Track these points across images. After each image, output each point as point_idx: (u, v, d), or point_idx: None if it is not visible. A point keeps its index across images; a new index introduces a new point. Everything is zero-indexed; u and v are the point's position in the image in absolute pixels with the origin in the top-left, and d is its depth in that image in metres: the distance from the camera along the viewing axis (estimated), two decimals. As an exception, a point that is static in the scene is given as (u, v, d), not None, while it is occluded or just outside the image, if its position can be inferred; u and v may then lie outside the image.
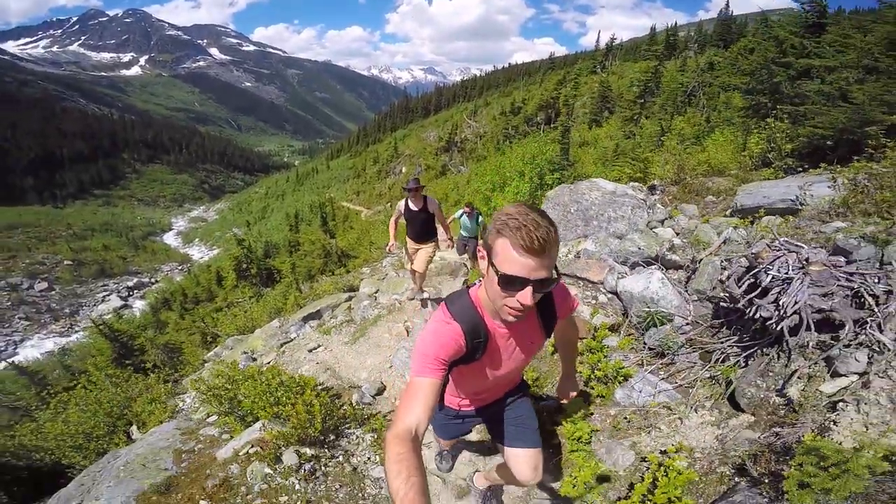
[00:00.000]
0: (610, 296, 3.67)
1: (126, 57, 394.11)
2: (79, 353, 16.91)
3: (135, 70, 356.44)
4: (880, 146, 4.26)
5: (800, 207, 3.73)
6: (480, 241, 1.28)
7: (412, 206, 4.83)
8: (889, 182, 3.40)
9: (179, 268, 50.70)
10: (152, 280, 47.35)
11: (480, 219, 6.95)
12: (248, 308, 10.31)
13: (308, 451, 2.76)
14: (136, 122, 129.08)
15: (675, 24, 32.57)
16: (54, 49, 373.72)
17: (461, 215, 7.02)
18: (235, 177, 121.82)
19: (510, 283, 1.13)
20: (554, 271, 1.15)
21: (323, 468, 2.70)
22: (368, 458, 2.81)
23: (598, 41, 42.31)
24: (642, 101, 15.61)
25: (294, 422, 2.82)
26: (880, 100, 4.71)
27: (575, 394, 1.97)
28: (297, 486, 2.56)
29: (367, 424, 3.10)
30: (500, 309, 1.23)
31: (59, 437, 5.68)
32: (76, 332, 33.92)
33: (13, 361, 13.65)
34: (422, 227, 4.99)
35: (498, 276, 1.13)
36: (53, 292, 43.55)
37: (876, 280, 2.19)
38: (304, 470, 2.65)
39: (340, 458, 2.78)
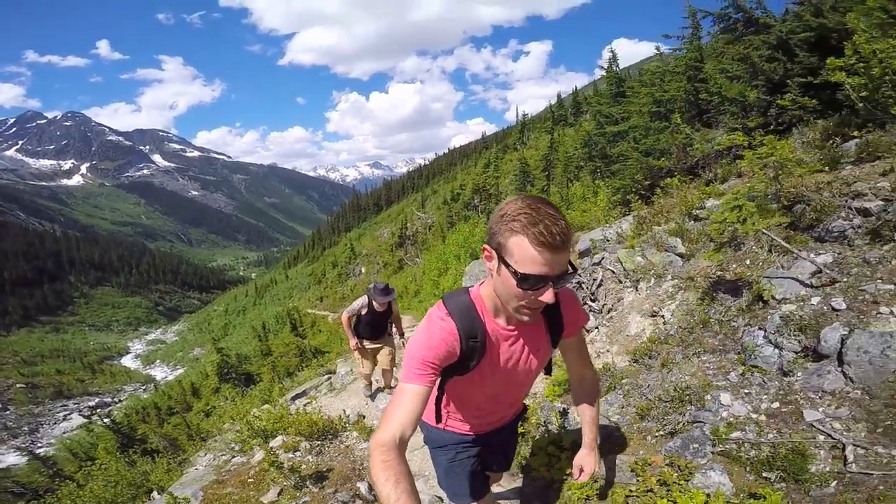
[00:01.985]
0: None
1: (67, 164, 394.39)
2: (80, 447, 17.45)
3: (76, 179, 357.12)
4: (658, 188, 6.88)
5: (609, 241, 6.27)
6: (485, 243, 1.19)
7: (377, 308, 5.00)
8: (657, 219, 5.90)
9: (143, 388, 50.14)
10: (115, 400, 46.70)
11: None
12: (237, 403, 11.96)
13: (316, 442, 4.77)
14: (80, 238, 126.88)
15: (576, 88, 37.03)
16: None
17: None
18: (191, 296, 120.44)
19: (530, 283, 1.08)
20: (569, 264, 1.11)
21: (326, 449, 4.70)
22: (355, 441, 4.83)
23: (516, 115, 47.30)
24: (546, 172, 19.06)
25: (304, 429, 4.84)
26: (660, 151, 7.46)
27: (594, 469, 1.68)
28: (310, 459, 4.53)
29: (353, 427, 5.13)
30: (516, 310, 1.18)
31: None
32: (40, 447, 32.97)
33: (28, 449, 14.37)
34: (380, 327, 5.24)
35: (517, 277, 1.08)
36: (8, 412, 42.79)
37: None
38: (314, 451, 4.65)
39: (336, 443, 4.79)
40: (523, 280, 1.08)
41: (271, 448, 4.26)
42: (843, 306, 2.17)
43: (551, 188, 18.25)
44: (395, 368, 5.68)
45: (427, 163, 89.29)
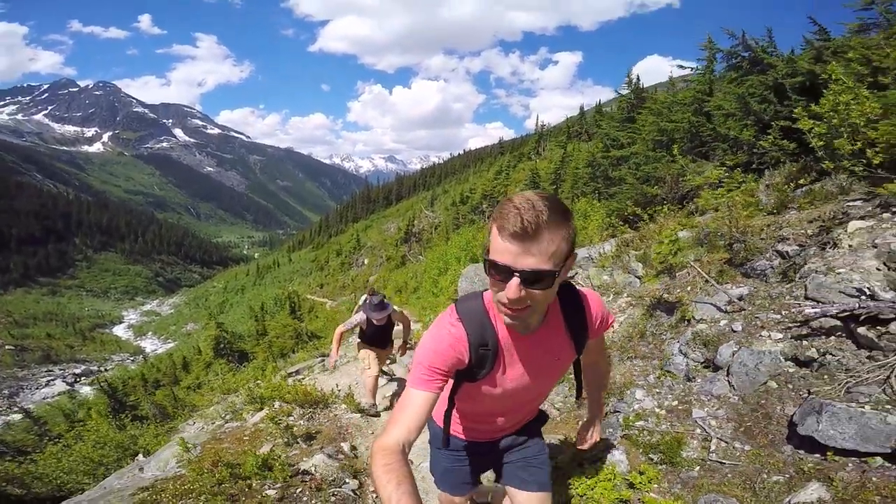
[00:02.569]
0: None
1: (90, 132, 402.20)
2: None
3: (97, 147, 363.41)
4: (646, 215, 7.43)
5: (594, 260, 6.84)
6: None
7: (375, 322, 4.97)
8: (635, 244, 6.45)
9: (132, 359, 50.80)
10: (102, 369, 47.04)
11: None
12: (230, 378, 12.58)
13: (308, 410, 5.36)
14: (91, 203, 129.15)
15: (600, 101, 36.62)
16: (19, 117, 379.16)
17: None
18: (192, 269, 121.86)
19: (496, 271, 1.05)
20: (557, 265, 1.02)
21: (316, 416, 5.29)
22: (343, 411, 5.41)
23: (536, 124, 47.83)
24: (555, 186, 19.60)
25: (299, 397, 5.43)
26: (655, 179, 7.98)
27: (596, 439, 1.83)
28: (302, 423, 5.12)
29: (343, 400, 5.72)
30: (499, 308, 1.14)
31: (71, 464, 7.16)
32: (13, 412, 33.46)
33: (21, 406, 15.06)
34: (383, 336, 5.22)
35: (486, 262, 1.07)
36: (-9, 373, 42.80)
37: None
38: (305, 417, 5.24)
39: (326, 412, 5.38)
40: (488, 267, 1.06)
41: (273, 406, 4.88)
42: (740, 329, 2.73)
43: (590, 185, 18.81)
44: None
45: (441, 161, 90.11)
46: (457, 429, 1.68)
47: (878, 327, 2.45)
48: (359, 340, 5.33)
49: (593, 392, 1.77)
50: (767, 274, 3.13)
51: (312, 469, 3.66)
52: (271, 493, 3.23)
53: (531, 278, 1.02)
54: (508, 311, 1.10)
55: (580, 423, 1.91)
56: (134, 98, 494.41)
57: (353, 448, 4.41)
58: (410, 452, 1.16)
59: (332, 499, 3.32)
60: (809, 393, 2.41)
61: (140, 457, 6.20)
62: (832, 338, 2.57)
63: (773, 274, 3.08)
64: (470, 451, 1.73)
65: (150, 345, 61.45)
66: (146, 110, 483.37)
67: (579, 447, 1.86)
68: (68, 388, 38.79)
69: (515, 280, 1.02)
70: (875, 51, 4.64)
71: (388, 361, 5.92)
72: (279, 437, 4.45)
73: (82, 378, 44.20)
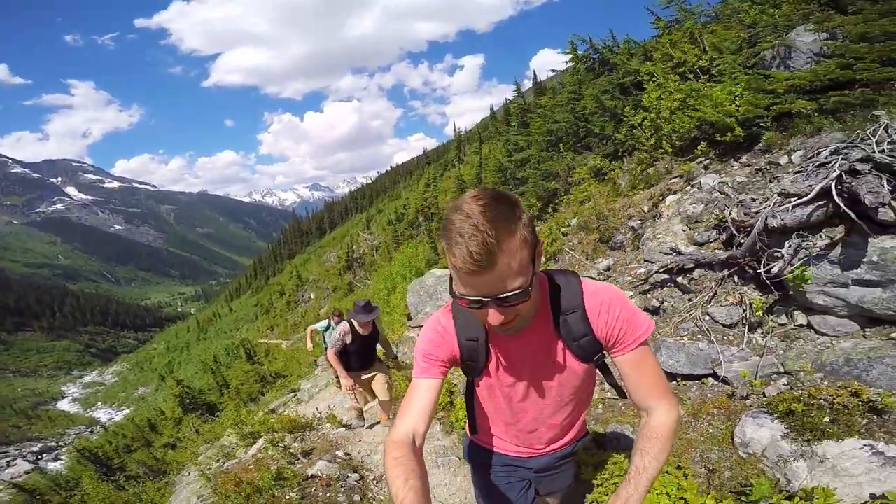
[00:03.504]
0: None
1: None
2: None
3: None
4: (550, 209, 8.78)
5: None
6: None
7: (361, 332, 4.67)
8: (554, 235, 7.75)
9: (89, 430, 48.36)
10: (60, 444, 45.44)
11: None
12: (209, 428, 12.90)
13: (297, 434, 6.18)
14: None
15: (507, 100, 38.85)
16: None
17: (328, 326, 6.80)
18: (126, 336, 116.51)
19: (467, 304, 1.01)
20: (525, 274, 0.96)
21: (306, 437, 6.13)
22: (329, 429, 6.26)
23: (454, 130, 49.35)
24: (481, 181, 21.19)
25: (286, 425, 6.25)
26: (552, 175, 9.40)
27: None
28: (296, 445, 5.95)
29: (326, 420, 6.56)
30: (491, 328, 1.18)
31: None
32: None
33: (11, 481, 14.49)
34: (368, 353, 4.96)
35: (453, 295, 1.03)
36: (-54, 463, 40.40)
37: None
38: (297, 440, 6.07)
39: (314, 433, 6.23)
40: (459, 299, 1.01)
41: (269, 436, 5.68)
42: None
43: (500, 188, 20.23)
44: (392, 399, 5.38)
45: (370, 181, 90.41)
46: (484, 440, 1.64)
47: (688, 275, 3.72)
48: (349, 380, 4.85)
49: (633, 457, 1.20)
50: (625, 245, 4.39)
51: (319, 472, 4.56)
52: (293, 495, 4.11)
53: (504, 302, 0.98)
54: (500, 328, 1.07)
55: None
56: (9, 158, 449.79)
57: (347, 454, 5.30)
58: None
59: (342, 490, 4.25)
60: (659, 334, 3.64)
61: None
62: (665, 288, 3.83)
63: (628, 245, 4.35)
64: (502, 465, 1.65)
65: (104, 414, 58.95)
66: (27, 170, 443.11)
67: None
68: (32, 465, 37.15)
69: (492, 308, 0.99)
70: (677, 47, 6.11)
71: (386, 386, 5.22)
72: (281, 459, 5.28)
73: (43, 455, 42.61)
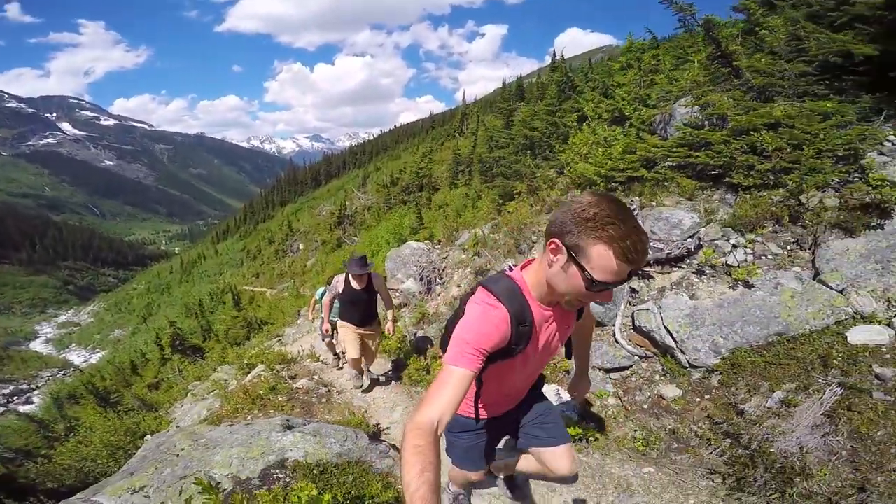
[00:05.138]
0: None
1: None
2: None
3: None
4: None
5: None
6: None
7: (354, 285, 4.81)
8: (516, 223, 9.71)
9: (63, 373, 49.93)
10: (32, 386, 46.85)
11: None
12: (198, 366, 14.81)
13: (285, 365, 8.25)
14: None
15: (521, 75, 38.97)
16: None
17: (323, 292, 6.95)
18: (106, 273, 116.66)
19: (600, 288, 1.22)
20: None
21: (292, 368, 8.16)
22: (309, 362, 8.27)
23: (463, 98, 50.01)
24: (468, 168, 22.81)
25: (277, 358, 8.33)
26: (515, 171, 11.24)
27: (587, 392, 2.16)
28: (283, 372, 8.02)
29: (307, 356, 8.59)
30: (568, 303, 1.40)
31: (92, 452, 8.33)
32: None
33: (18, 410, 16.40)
34: (365, 310, 5.10)
35: (591, 283, 1.21)
36: None
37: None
38: (284, 369, 8.15)
39: (298, 365, 8.24)
40: (596, 286, 1.21)
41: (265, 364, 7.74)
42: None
43: (473, 182, 21.92)
44: (377, 355, 6.12)
45: (372, 138, 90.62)
46: (470, 411, 1.79)
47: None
48: (327, 324, 5.49)
49: (580, 346, 2.01)
50: (526, 254, 6.38)
51: (301, 386, 6.63)
52: (281, 398, 6.17)
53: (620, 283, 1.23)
54: (582, 306, 1.45)
55: (571, 375, 2.30)
56: (5, 92, 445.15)
57: (321, 379, 7.36)
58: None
59: (315, 396, 6.33)
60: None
61: (148, 437, 7.12)
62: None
63: (528, 254, 6.32)
64: (490, 427, 1.94)
65: (77, 357, 60.30)
66: (22, 105, 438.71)
67: (574, 399, 2.33)
68: (2, 408, 38.14)
69: (611, 290, 1.25)
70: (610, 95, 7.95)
71: (373, 346, 5.68)
72: (274, 379, 7.33)
73: (14, 398, 43.60)
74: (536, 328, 1.48)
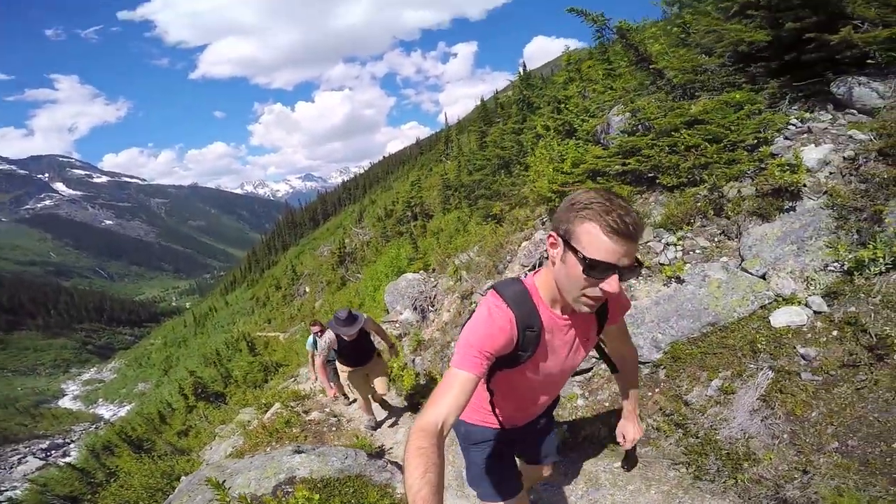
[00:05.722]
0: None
1: None
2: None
3: None
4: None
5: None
6: (550, 229, 1.30)
7: (346, 339, 4.84)
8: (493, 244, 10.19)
9: (94, 426, 51.18)
10: (67, 440, 48.38)
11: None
12: (223, 410, 15.28)
13: (298, 401, 8.68)
14: None
15: (496, 91, 38.85)
16: None
17: (314, 341, 7.10)
18: (122, 332, 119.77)
19: (597, 270, 1.17)
20: (636, 259, 1.20)
21: (305, 403, 8.59)
22: (321, 396, 8.69)
23: (445, 121, 49.98)
24: (455, 191, 23.36)
25: (291, 396, 8.76)
26: (494, 191, 11.72)
27: (639, 436, 1.95)
28: (298, 407, 8.43)
29: (319, 392, 8.99)
30: (575, 300, 1.28)
31: (133, 496, 9.28)
32: (4, 490, 34.45)
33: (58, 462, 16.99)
34: (361, 351, 5.16)
35: (585, 263, 1.17)
36: (-44, 463, 42.90)
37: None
38: (299, 405, 8.57)
39: (311, 400, 8.70)
40: (591, 267, 1.17)
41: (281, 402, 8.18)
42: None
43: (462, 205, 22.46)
44: (389, 389, 5.97)
45: (363, 171, 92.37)
46: (489, 420, 1.82)
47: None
48: (333, 390, 5.47)
49: (626, 384, 1.90)
50: (503, 274, 6.82)
51: (313, 418, 7.06)
52: (295, 430, 6.59)
53: (629, 274, 1.21)
54: (593, 302, 1.26)
55: (620, 418, 2.00)
56: None
57: (331, 411, 7.78)
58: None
59: (325, 426, 6.75)
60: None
61: (183, 478, 7.30)
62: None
63: (504, 275, 6.77)
64: (502, 439, 1.88)
65: (106, 411, 62.18)
66: (13, 167, 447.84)
67: (623, 446, 2.00)
68: (42, 462, 39.62)
69: (616, 276, 1.18)
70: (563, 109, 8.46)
71: (376, 381, 5.62)
72: (289, 414, 7.77)
73: (52, 452, 45.13)
74: (546, 335, 1.44)
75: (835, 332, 3.04)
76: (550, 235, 1.28)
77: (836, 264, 3.41)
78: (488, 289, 1.47)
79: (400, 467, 4.16)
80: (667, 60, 5.48)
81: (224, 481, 3.58)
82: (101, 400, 69.42)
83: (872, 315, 2.97)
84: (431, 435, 1.14)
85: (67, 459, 36.45)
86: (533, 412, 1.86)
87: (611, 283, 1.18)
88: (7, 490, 34.15)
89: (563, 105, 8.53)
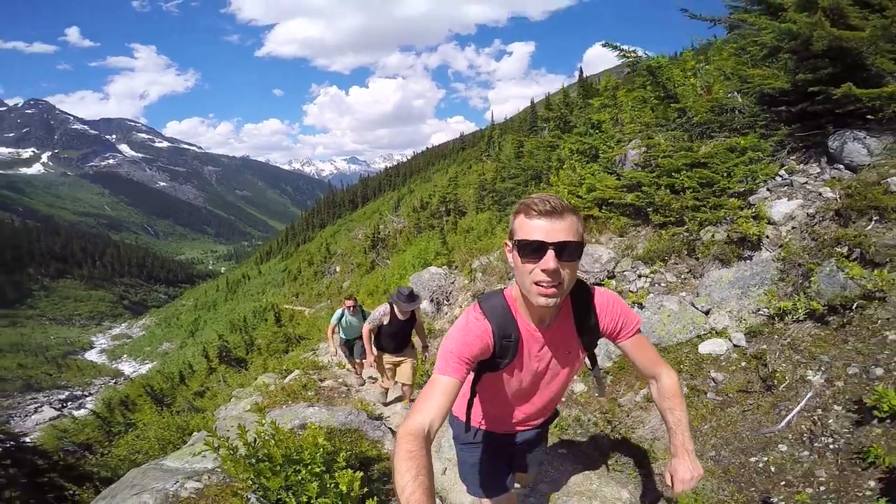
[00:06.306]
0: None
1: (26, 153, 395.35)
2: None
3: (36, 168, 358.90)
4: None
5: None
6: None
7: (399, 316, 4.83)
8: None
9: (114, 381, 52.77)
10: (86, 393, 49.50)
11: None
12: (242, 375, 16.46)
13: (316, 370, 9.70)
14: (41, 229, 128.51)
15: (548, 94, 38.55)
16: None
17: (342, 316, 6.78)
18: (158, 290, 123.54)
19: (529, 250, 1.22)
20: (580, 239, 1.25)
21: (321, 373, 9.61)
22: (336, 368, 9.70)
23: (492, 119, 50.07)
24: (493, 194, 24.02)
25: (310, 365, 9.80)
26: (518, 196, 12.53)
27: (697, 477, 1.48)
28: (315, 376, 9.46)
29: (335, 364, 10.02)
30: (528, 292, 1.29)
31: (146, 445, 9.82)
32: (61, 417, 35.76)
33: (73, 414, 18.35)
34: (403, 338, 5.14)
35: (517, 246, 1.26)
36: (-25, 405, 44.20)
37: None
38: (316, 373, 9.60)
39: (328, 371, 9.71)
40: (522, 247, 1.24)
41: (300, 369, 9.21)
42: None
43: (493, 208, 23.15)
44: (413, 384, 5.70)
45: (405, 160, 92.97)
46: (478, 419, 1.89)
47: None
48: (373, 355, 5.14)
49: (668, 414, 1.56)
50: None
51: (327, 385, 8.05)
52: (311, 393, 7.58)
53: (562, 249, 1.21)
54: (543, 289, 1.25)
55: (670, 459, 1.54)
56: (71, 115, 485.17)
57: (344, 381, 8.74)
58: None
59: (337, 393, 7.72)
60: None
61: (195, 433, 7.24)
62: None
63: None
64: (491, 442, 1.95)
65: (128, 367, 63.62)
66: (86, 127, 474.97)
67: (677, 490, 1.49)
68: (57, 412, 40.70)
69: (550, 252, 1.20)
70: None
71: (409, 368, 5.37)
72: (306, 380, 8.78)
73: (68, 403, 46.20)
74: (524, 344, 1.50)
75: (743, 363, 3.76)
76: (506, 244, 1.37)
77: (765, 310, 4.08)
78: (474, 299, 1.94)
79: (393, 432, 4.79)
80: (691, 101, 5.80)
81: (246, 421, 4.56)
82: (125, 356, 71.11)
83: (777, 353, 3.68)
84: (419, 438, 1.17)
85: (82, 412, 37.30)
86: (521, 421, 1.86)
87: (546, 261, 1.20)
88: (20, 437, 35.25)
89: (594, 129, 9.06)
